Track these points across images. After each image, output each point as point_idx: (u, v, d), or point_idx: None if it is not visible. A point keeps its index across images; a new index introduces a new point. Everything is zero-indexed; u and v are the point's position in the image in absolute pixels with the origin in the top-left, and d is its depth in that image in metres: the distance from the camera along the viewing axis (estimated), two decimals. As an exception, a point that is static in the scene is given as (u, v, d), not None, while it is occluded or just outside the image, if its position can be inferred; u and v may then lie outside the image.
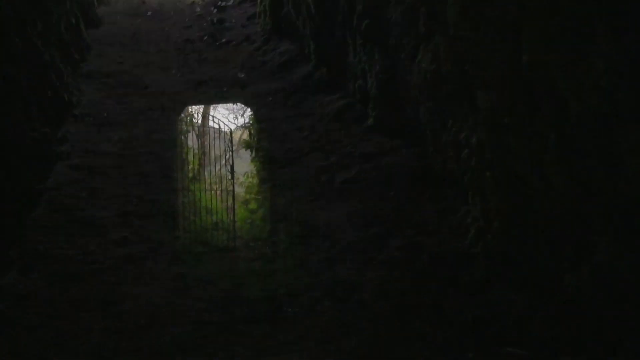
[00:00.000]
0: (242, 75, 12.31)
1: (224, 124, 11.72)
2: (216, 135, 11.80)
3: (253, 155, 12.65)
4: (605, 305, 3.37)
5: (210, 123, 12.46)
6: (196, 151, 13.10)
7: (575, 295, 3.83)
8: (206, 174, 13.95)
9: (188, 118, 12.09)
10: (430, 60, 6.85)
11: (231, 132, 11.45)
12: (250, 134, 12.59)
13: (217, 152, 12.05)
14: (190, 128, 11.98)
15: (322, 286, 6.56)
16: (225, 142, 11.37)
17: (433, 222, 7.25)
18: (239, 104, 14.08)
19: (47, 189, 9.05)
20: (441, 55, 6.34)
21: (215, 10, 17.07)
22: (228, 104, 15.30)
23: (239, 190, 15.74)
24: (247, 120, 13.53)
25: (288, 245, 8.57)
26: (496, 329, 4.50)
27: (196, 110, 14.64)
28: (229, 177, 11.40)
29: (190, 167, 12.19)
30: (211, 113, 15.95)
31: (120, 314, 6.07)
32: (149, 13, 17.54)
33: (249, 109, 13.01)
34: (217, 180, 12.64)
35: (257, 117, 12.07)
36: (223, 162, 11.99)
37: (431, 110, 7.30)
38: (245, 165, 15.20)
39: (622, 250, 3.23)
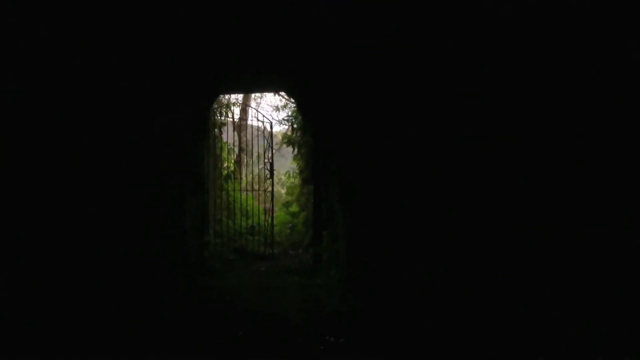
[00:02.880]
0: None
1: (265, 116, 10.82)
2: (255, 130, 10.99)
3: (295, 152, 11.77)
4: None
5: (250, 116, 11.58)
6: (232, 147, 12.30)
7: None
8: (243, 172, 13.22)
9: (224, 109, 11.27)
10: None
11: (271, 126, 10.51)
12: (292, 128, 11.71)
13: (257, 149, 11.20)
14: (226, 120, 11.16)
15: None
16: (265, 137, 10.51)
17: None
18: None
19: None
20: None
21: None
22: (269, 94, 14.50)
23: (279, 191, 15.02)
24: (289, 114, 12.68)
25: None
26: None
27: (234, 100, 13.84)
28: (268, 176, 10.51)
29: (225, 164, 11.39)
30: (252, 105, 15.17)
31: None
32: None
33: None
34: (255, 179, 11.84)
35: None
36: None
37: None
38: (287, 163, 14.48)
39: None
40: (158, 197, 6.64)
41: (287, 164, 14.56)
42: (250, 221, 10.84)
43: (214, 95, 9.20)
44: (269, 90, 11.80)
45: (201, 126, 8.73)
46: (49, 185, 5.25)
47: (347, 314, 5.65)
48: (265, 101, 19.63)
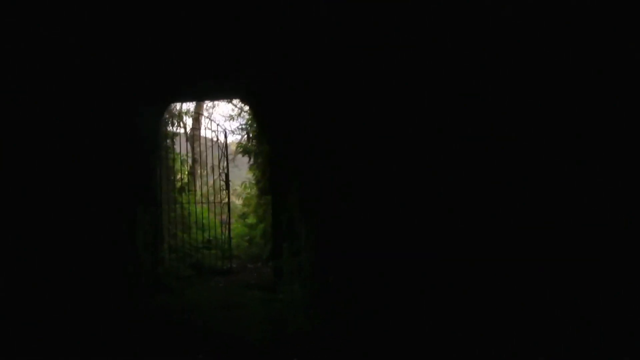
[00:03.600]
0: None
1: (218, 125, 10.52)
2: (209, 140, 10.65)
3: (251, 161, 11.47)
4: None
5: (203, 126, 11.25)
6: (185, 158, 11.93)
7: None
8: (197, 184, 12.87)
9: (176, 118, 10.89)
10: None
11: (225, 135, 10.23)
12: (248, 136, 11.42)
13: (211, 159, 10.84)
14: (178, 130, 10.81)
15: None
16: (219, 147, 10.18)
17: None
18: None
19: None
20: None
21: None
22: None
23: (235, 202, 14.66)
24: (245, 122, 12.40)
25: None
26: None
27: (185, 109, 13.46)
28: (224, 187, 10.19)
29: (179, 176, 11.01)
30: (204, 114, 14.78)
31: None
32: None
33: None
34: (211, 191, 11.49)
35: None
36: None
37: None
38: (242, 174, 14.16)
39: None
40: (107, 211, 6.26)
41: (242, 174, 14.26)
42: (206, 235, 10.48)
43: (165, 104, 8.87)
44: (223, 98, 11.50)
45: (152, 137, 8.38)
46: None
47: (313, 334, 5.36)
48: (218, 111, 19.24)
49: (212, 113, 17.95)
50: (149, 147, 8.13)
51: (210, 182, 11.77)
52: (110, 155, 6.35)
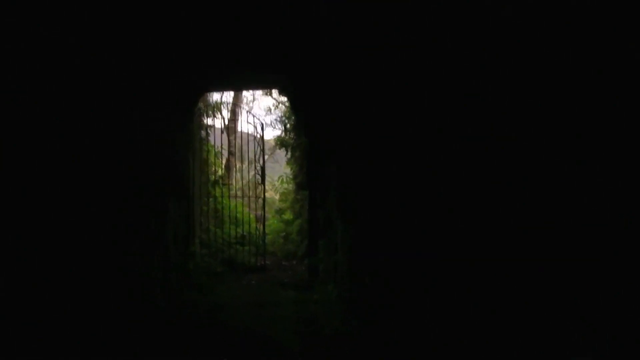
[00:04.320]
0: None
1: (255, 117, 10.25)
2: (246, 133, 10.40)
3: (289, 155, 11.18)
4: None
5: (240, 117, 11.00)
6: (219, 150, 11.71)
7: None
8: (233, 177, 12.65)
9: (212, 109, 10.65)
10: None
11: (262, 127, 9.94)
12: (285, 129, 11.13)
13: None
14: (214, 122, 10.57)
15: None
16: (256, 140, 9.91)
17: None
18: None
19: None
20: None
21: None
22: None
23: (273, 197, 14.43)
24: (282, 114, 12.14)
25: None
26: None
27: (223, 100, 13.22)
28: (259, 181, 9.92)
29: (213, 169, 10.78)
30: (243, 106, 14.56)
31: None
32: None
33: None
34: (246, 185, 11.24)
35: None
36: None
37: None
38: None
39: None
40: (135, 203, 6.03)
41: (281, 169, 14.07)
42: (240, 230, 10.25)
43: (199, 93, 8.66)
44: (260, 88, 11.34)
45: (185, 127, 8.17)
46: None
47: (350, 338, 5.15)
48: (258, 104, 19.14)
49: (252, 107, 17.74)
50: (182, 137, 7.92)
51: (246, 175, 11.53)
52: (136, 145, 6.14)
